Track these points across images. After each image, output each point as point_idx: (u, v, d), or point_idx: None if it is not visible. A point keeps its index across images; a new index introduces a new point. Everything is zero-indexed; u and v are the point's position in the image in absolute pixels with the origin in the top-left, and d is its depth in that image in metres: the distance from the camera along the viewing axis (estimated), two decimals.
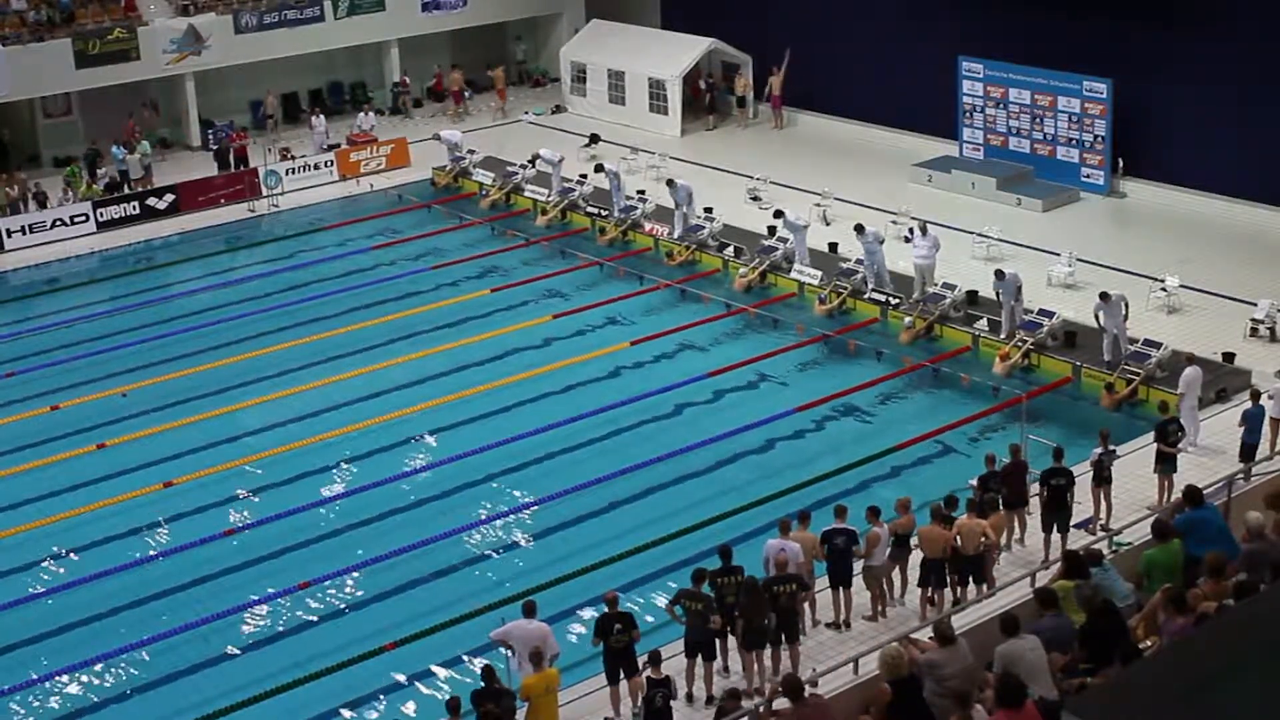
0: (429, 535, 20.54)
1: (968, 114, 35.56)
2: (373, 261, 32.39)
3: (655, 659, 15.47)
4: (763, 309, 28.20)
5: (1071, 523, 18.56)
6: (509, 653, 15.58)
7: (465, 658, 17.87)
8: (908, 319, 26.46)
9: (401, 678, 17.72)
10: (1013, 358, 24.76)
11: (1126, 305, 24.38)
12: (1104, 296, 24.14)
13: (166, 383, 26.08)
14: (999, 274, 25.74)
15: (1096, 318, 24.25)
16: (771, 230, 30.54)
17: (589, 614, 18.07)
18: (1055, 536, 18.44)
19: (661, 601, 18.54)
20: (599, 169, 34.03)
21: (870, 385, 24.87)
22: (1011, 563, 18.39)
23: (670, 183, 31.93)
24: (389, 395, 25.31)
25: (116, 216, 34.90)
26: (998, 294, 25.69)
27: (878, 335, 27.02)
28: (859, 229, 28.00)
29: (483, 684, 15.06)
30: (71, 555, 20.83)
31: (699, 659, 16.18)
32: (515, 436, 23.33)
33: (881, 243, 28.01)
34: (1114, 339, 24.00)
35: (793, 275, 29.06)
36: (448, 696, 15.40)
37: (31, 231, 33.94)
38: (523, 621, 15.67)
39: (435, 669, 17.84)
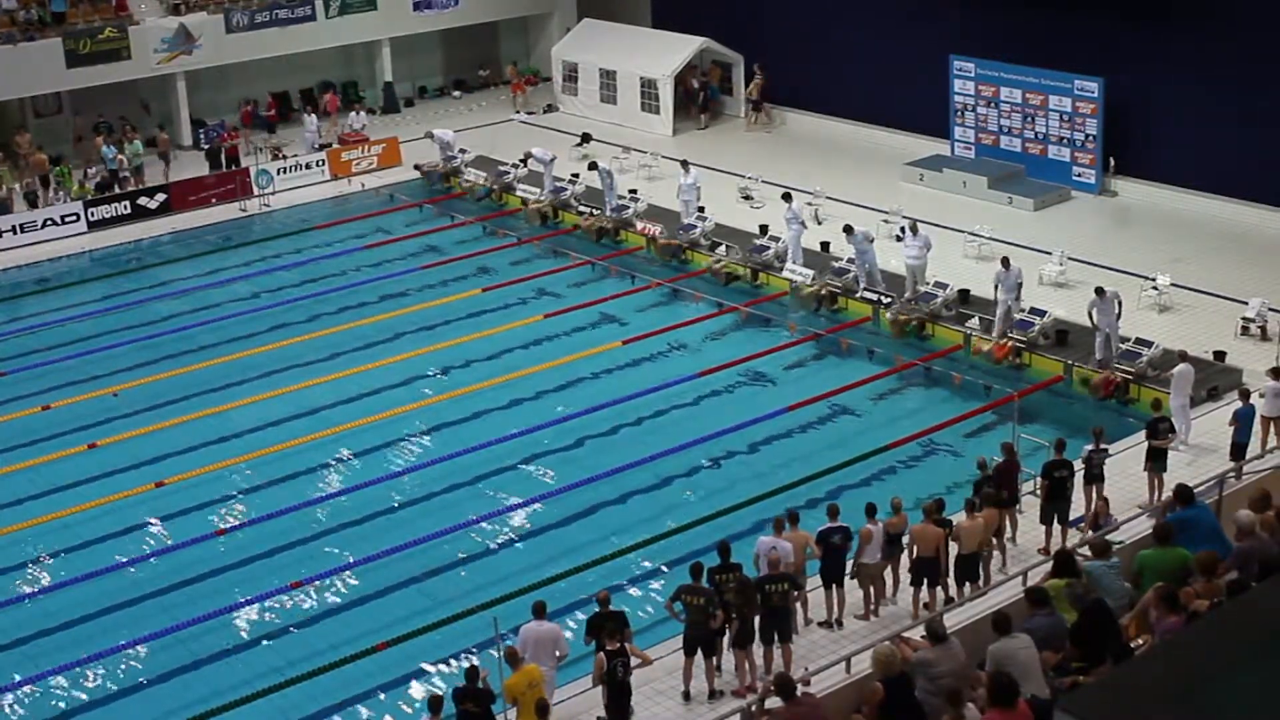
0: (421, 535, 20.51)
1: (959, 113, 35.60)
2: (364, 261, 32.36)
3: (613, 631, 15.28)
4: (754, 308, 28.19)
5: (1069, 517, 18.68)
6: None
7: (458, 657, 17.86)
8: (889, 315, 26.46)
9: (394, 677, 17.68)
10: (990, 346, 24.94)
11: (1120, 304, 24.39)
12: (1099, 292, 24.13)
13: (158, 382, 26.03)
14: (1005, 262, 25.71)
15: (1090, 314, 24.26)
16: (764, 229, 30.57)
17: (581, 613, 18.06)
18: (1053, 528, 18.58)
19: (649, 605, 18.58)
20: (593, 166, 34.03)
21: (862, 384, 24.87)
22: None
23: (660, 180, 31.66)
24: (380, 395, 25.30)
25: (107, 216, 34.83)
26: (997, 286, 25.64)
27: (870, 334, 27.04)
28: (847, 230, 28.00)
29: (465, 682, 15.02)
30: (63, 555, 20.77)
31: (698, 655, 16.14)
32: (507, 436, 23.34)
33: (871, 241, 28.02)
34: (1106, 337, 24.02)
35: (784, 274, 29.08)
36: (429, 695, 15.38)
37: (22, 231, 33.86)
38: (533, 624, 15.66)
39: (427, 669, 17.82)
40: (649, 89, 40.58)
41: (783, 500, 20.06)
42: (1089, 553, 15.97)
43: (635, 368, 26.26)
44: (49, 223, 34.21)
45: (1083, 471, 19.12)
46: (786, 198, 29.97)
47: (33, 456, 23.50)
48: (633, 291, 29.61)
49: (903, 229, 28.56)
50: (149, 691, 17.83)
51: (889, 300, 27.26)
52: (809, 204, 32.26)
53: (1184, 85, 31.60)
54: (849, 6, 38.59)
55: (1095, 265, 28.38)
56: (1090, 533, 17.62)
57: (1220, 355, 24.01)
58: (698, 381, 25.25)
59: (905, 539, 17.57)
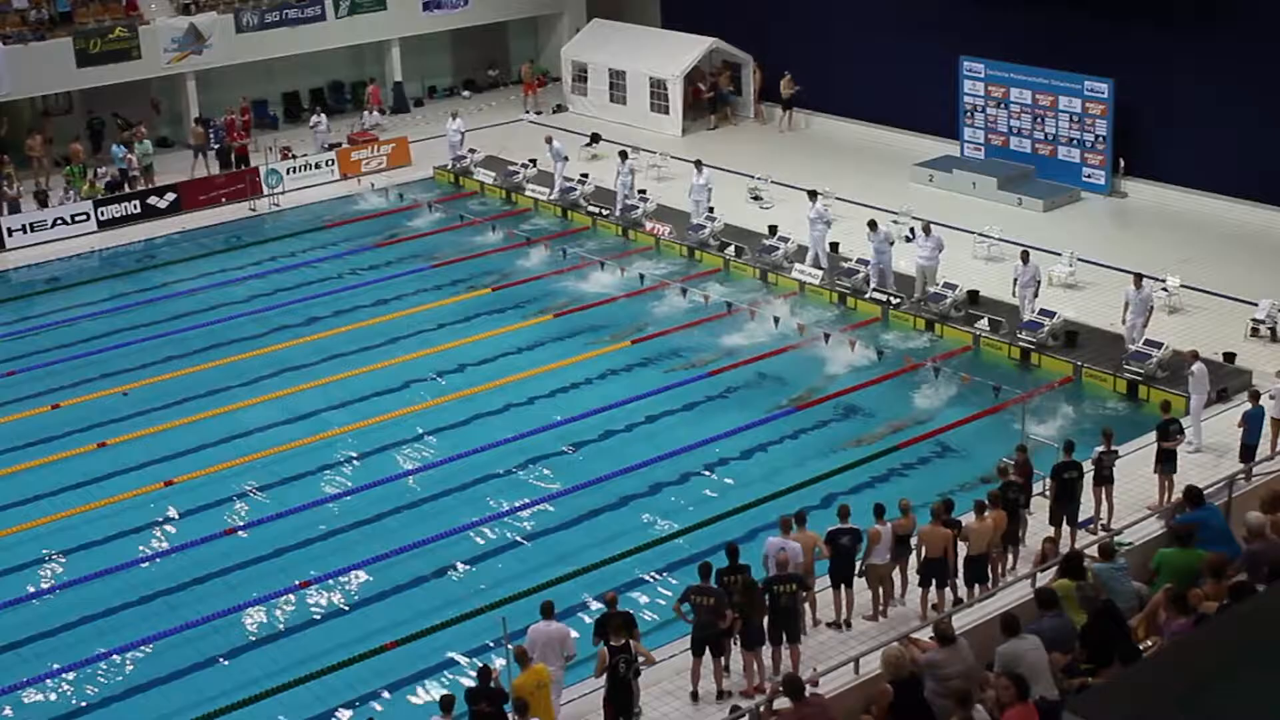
0: (429, 534, 20.53)
1: (969, 114, 35.56)
2: (373, 261, 32.38)
3: (619, 627, 15.26)
4: (762, 309, 28.16)
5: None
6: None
7: (465, 657, 17.88)
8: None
9: (401, 677, 17.69)
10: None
11: (1151, 307, 24.32)
12: (1138, 281, 24.16)
13: (167, 381, 26.08)
14: (1024, 257, 25.73)
15: (1126, 304, 24.22)
16: (773, 229, 30.54)
17: (588, 614, 18.07)
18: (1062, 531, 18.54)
19: (649, 603, 18.58)
20: (624, 155, 33.89)
21: (871, 384, 24.84)
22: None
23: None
24: (389, 394, 25.32)
25: (117, 215, 34.91)
26: (1015, 280, 25.64)
27: (879, 334, 26.98)
28: (872, 225, 27.87)
29: (478, 683, 15.06)
30: (72, 554, 20.82)
31: (706, 655, 16.13)
32: (515, 436, 23.34)
33: (892, 244, 27.97)
34: (1128, 334, 24.00)
35: (794, 275, 29.05)
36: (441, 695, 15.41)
37: (32, 230, 33.94)
38: (541, 625, 15.66)
39: (435, 668, 17.82)
40: (658, 89, 40.58)
41: (789, 501, 20.00)
42: (1097, 554, 15.96)
43: (644, 367, 26.24)
44: (59, 222, 34.29)
45: (1093, 473, 19.09)
46: (812, 195, 29.88)
47: (42, 455, 23.54)
48: (641, 291, 29.58)
49: (912, 229, 28.49)
50: (157, 690, 17.84)
51: (898, 301, 27.24)
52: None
53: (1194, 86, 31.52)
54: (858, 7, 38.55)
55: (1105, 266, 28.35)
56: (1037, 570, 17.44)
57: (1230, 357, 23.96)
58: (705, 381, 25.23)
59: (914, 540, 17.56)
